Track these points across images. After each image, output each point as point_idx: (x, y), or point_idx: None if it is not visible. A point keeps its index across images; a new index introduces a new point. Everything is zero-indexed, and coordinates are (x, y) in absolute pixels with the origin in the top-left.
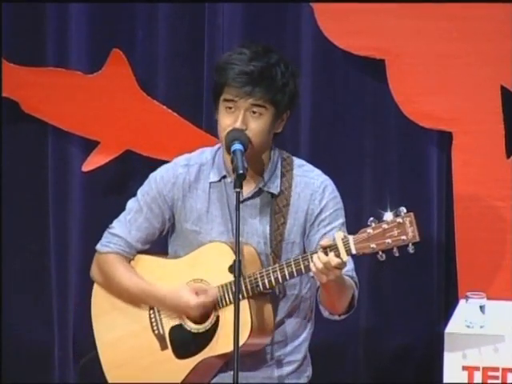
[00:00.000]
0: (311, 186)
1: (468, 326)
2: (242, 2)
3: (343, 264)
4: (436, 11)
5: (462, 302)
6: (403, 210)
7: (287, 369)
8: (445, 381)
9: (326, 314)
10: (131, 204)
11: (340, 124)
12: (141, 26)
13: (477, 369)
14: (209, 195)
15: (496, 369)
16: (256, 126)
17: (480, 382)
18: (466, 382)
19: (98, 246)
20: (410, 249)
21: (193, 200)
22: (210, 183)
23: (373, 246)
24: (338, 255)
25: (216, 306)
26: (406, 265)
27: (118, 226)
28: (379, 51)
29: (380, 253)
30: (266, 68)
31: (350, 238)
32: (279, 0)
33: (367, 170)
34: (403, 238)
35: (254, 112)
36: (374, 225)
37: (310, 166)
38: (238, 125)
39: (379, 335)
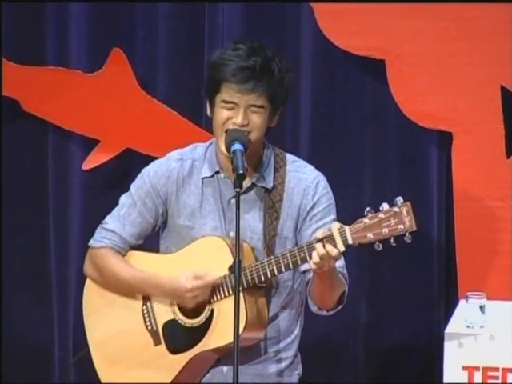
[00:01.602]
0: (304, 181)
1: (468, 326)
2: (242, 1)
3: (340, 255)
4: (436, 11)
5: (461, 302)
6: (400, 199)
7: (279, 366)
8: (445, 381)
9: (314, 308)
10: (124, 199)
11: (340, 124)
12: (141, 26)
13: (477, 369)
14: (202, 190)
15: (496, 369)
16: (256, 120)
17: (480, 382)
18: (466, 382)
19: (91, 242)
20: (407, 238)
21: (186, 195)
22: (203, 179)
23: (369, 235)
24: (334, 246)
25: (210, 299)
26: (405, 265)
27: (112, 221)
28: (379, 51)
29: (377, 243)
30: (265, 62)
31: (347, 228)
32: (279, 0)
33: (367, 170)
34: (400, 227)
35: (255, 109)
36: (370, 215)
37: (302, 162)
38: (238, 121)
39: (379, 335)
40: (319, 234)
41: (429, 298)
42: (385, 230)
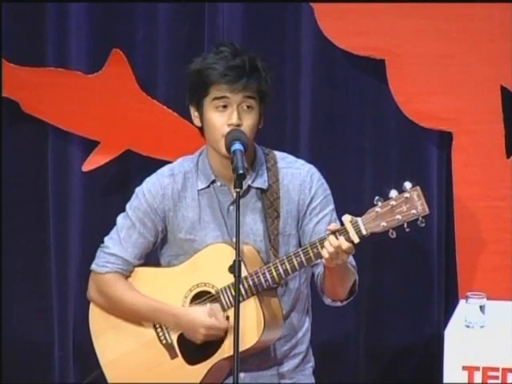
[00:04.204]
0: (298, 176)
1: (468, 326)
2: (242, 1)
3: (354, 248)
4: (436, 11)
5: (462, 302)
6: (408, 184)
7: (294, 362)
8: (445, 381)
9: (327, 301)
10: (122, 221)
11: (340, 124)
12: (141, 26)
13: (477, 369)
14: (198, 202)
15: (496, 369)
16: (249, 120)
17: (480, 382)
18: (466, 382)
19: (94, 267)
20: (420, 222)
21: (183, 209)
22: (199, 191)
23: (383, 224)
24: (348, 238)
25: (224, 306)
26: (405, 265)
27: (113, 245)
28: (379, 51)
29: (391, 230)
30: (252, 60)
31: (359, 219)
32: (279, 0)
33: (367, 170)
34: (413, 212)
35: (247, 106)
36: (380, 203)
37: (292, 157)
38: (234, 121)
39: (379, 335)
40: (331, 227)
41: (429, 298)
42: (398, 217)
